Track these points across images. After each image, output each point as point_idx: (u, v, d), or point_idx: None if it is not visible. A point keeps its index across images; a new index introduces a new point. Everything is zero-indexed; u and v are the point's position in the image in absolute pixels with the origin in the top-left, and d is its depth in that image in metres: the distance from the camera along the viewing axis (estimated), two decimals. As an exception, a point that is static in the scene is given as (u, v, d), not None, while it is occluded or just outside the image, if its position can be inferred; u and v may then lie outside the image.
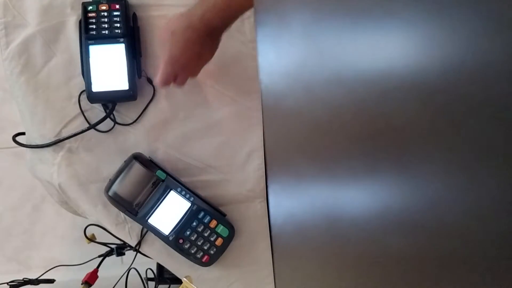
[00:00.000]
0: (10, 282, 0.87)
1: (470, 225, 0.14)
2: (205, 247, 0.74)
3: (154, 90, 0.75)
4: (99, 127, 0.74)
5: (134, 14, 0.73)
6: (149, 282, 0.94)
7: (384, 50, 0.18)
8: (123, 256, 0.96)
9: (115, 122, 0.75)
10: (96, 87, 0.71)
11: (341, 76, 0.22)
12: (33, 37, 0.72)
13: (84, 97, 0.73)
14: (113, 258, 0.95)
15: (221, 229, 0.74)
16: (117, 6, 0.71)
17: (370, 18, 0.19)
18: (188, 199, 0.73)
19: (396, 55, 0.17)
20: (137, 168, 0.72)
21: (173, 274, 0.81)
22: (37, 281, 0.89)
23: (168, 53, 0.64)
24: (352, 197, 0.24)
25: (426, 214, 0.16)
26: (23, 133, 0.78)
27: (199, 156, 0.77)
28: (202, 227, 0.74)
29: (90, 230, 0.89)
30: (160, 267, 0.99)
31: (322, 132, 0.28)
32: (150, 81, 0.74)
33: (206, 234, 0.74)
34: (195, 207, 0.73)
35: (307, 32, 0.27)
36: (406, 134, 0.17)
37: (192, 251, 0.74)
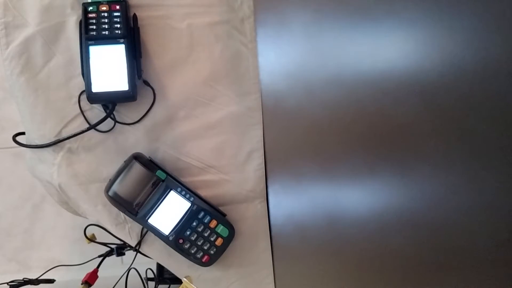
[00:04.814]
0: (10, 282, 0.87)
1: (470, 224, 0.14)
2: (205, 247, 0.75)
3: (154, 93, 0.75)
4: (99, 127, 0.74)
5: (135, 15, 0.73)
6: (149, 282, 0.94)
7: (384, 50, 0.18)
8: (123, 256, 0.96)
9: (116, 121, 0.75)
10: (96, 88, 0.71)
11: (341, 77, 0.22)
12: (33, 37, 0.72)
13: (84, 97, 0.73)
14: (113, 258, 0.96)
15: (221, 229, 0.74)
16: (118, 7, 0.71)
17: (370, 18, 0.19)
18: (188, 199, 0.73)
19: (396, 55, 0.17)
20: (137, 168, 0.72)
21: (173, 274, 0.81)
22: (37, 281, 0.89)
23: None
24: (352, 197, 0.24)
25: (426, 213, 0.16)
26: (23, 133, 0.78)
27: (199, 156, 0.77)
28: (202, 227, 0.74)
29: (90, 230, 0.89)
30: (160, 267, 0.99)
31: (322, 132, 0.28)
32: (147, 83, 0.74)
33: (206, 234, 0.74)
34: (195, 207, 0.73)
35: (307, 32, 0.27)
36: (406, 134, 0.17)
37: (192, 251, 0.74)
